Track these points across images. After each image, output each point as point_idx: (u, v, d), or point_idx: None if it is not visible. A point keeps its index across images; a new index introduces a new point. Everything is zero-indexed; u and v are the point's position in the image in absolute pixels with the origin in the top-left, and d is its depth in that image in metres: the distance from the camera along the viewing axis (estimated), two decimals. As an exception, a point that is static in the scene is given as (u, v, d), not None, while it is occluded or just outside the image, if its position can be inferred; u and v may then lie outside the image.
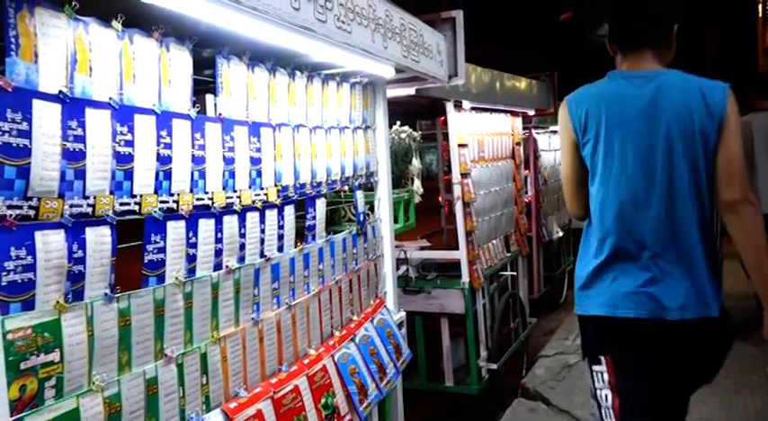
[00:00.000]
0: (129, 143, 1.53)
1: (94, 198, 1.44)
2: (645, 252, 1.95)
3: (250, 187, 1.99)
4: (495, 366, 4.19)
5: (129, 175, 1.54)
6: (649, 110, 1.94)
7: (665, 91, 1.94)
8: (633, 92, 1.97)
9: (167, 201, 1.66)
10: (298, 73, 2.26)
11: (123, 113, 1.51)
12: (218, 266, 1.85)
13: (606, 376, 2.01)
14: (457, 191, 4.04)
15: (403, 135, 4.19)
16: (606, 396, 2.03)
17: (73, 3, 1.36)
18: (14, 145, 1.25)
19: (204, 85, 1.92)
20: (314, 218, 2.42)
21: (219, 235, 1.85)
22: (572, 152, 2.08)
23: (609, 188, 1.98)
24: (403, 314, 3.18)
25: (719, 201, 1.92)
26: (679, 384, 2.04)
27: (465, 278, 4.00)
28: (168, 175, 1.66)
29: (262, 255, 2.06)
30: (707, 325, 1.92)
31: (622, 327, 1.97)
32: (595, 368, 2.05)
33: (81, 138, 1.40)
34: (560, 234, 7.18)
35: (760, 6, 13.19)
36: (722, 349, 2.03)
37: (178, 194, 1.69)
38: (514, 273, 5.02)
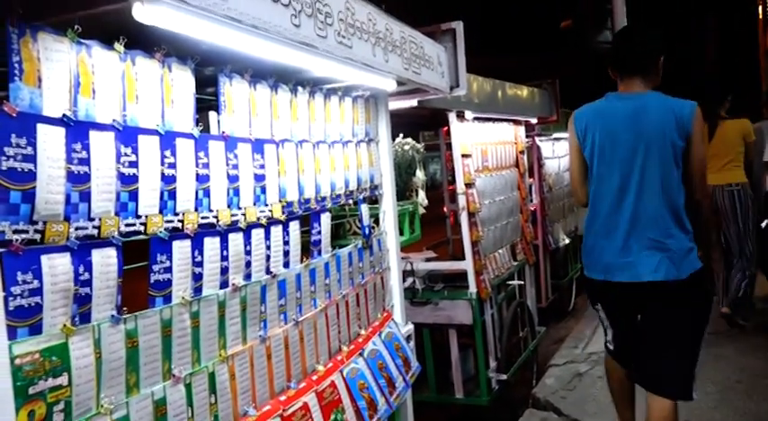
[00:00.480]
0: (134, 164, 1.54)
1: (100, 220, 1.44)
2: (624, 233, 2.59)
3: (255, 204, 1.99)
4: (504, 377, 4.16)
5: (133, 196, 1.54)
6: (632, 124, 2.54)
7: (645, 109, 2.54)
8: (621, 109, 2.58)
9: (172, 221, 1.66)
10: (300, 88, 2.27)
11: (127, 135, 1.52)
12: (224, 284, 1.84)
13: (603, 312, 2.82)
14: (461, 201, 4.03)
15: (406, 147, 4.19)
16: (606, 329, 2.88)
17: (75, 27, 1.37)
18: (19, 169, 1.25)
19: (207, 103, 1.93)
20: (319, 233, 2.42)
21: (225, 253, 1.84)
22: (577, 154, 2.76)
23: (599, 184, 2.66)
24: (411, 327, 3.16)
25: (691, 197, 2.59)
26: (658, 331, 2.61)
27: (472, 288, 3.99)
28: (173, 195, 1.66)
29: (268, 271, 2.06)
30: (677, 284, 2.53)
31: (612, 287, 2.66)
32: (596, 307, 2.86)
33: (85, 161, 1.40)
34: (567, 241, 7.15)
35: (760, 8, 13.20)
36: (696, 301, 2.60)
37: (183, 213, 1.69)
38: (522, 282, 4.99)
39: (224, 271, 1.84)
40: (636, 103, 2.57)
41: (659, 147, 2.51)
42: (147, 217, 1.57)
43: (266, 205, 2.05)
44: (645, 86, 2.62)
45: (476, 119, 4.28)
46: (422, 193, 4.14)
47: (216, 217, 1.81)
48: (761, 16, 13.37)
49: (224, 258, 1.84)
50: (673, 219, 2.54)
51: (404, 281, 3.57)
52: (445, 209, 6.17)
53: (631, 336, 2.75)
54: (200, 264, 1.75)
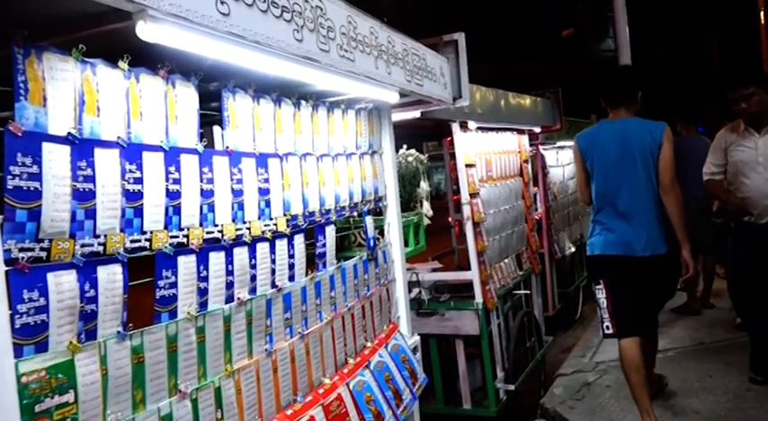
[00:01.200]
0: (139, 180, 1.55)
1: (105, 236, 1.44)
2: (620, 218, 3.46)
3: (259, 218, 2.00)
4: (512, 387, 4.14)
5: (138, 212, 1.55)
6: (619, 142, 3.47)
7: (628, 131, 3.47)
8: (611, 132, 3.54)
9: (177, 236, 1.66)
10: (303, 102, 2.28)
11: (131, 151, 1.53)
12: (229, 299, 1.84)
13: (603, 291, 3.53)
14: (466, 211, 4.03)
15: (410, 158, 4.20)
16: (602, 301, 3.54)
17: (80, 46, 1.38)
18: (25, 188, 1.26)
19: (211, 118, 1.94)
20: (324, 245, 2.42)
21: (230, 267, 1.85)
22: (581, 166, 3.69)
23: (597, 187, 3.57)
24: (417, 338, 3.15)
25: (660, 187, 3.41)
26: (646, 293, 3.49)
27: (478, 298, 3.97)
28: (178, 210, 1.67)
29: (273, 285, 2.06)
30: (660, 257, 3.42)
31: (611, 260, 3.48)
32: (597, 287, 3.57)
33: (90, 178, 1.41)
34: (573, 249, 7.13)
35: (762, 14, 13.20)
36: (672, 272, 3.55)
37: (188, 229, 1.70)
38: (528, 292, 4.97)
39: (229, 285, 1.84)
40: (621, 126, 3.51)
41: (641, 157, 3.41)
42: (152, 233, 1.58)
43: (271, 219, 2.06)
44: (628, 114, 3.55)
45: (479, 128, 4.28)
46: (426, 204, 4.14)
47: (221, 231, 1.82)
48: (762, 21, 13.37)
49: (229, 273, 1.84)
50: (655, 210, 3.43)
51: (410, 292, 3.57)
52: (450, 219, 6.16)
53: (629, 297, 3.51)
54: (206, 279, 1.75)
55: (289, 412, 2.04)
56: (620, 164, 3.44)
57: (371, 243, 2.81)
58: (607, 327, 3.53)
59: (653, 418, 3.35)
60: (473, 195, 4.07)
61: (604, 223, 3.52)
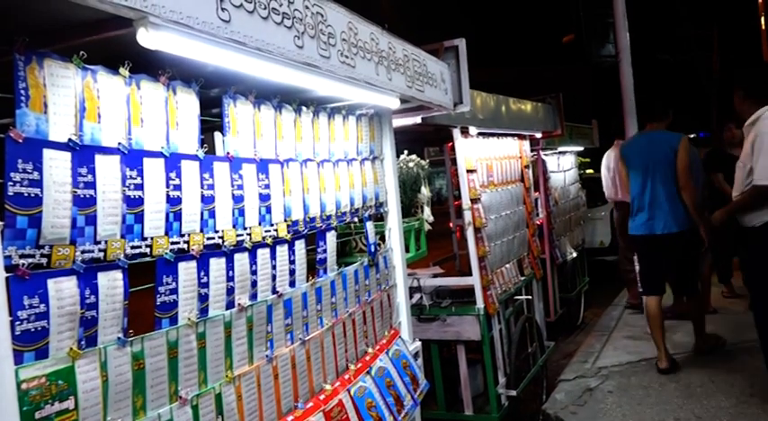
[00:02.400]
0: (139, 186, 1.55)
1: (106, 243, 1.44)
2: (647, 208, 4.60)
3: (260, 224, 2.00)
4: (514, 392, 4.12)
5: (139, 219, 1.55)
6: (646, 150, 4.66)
7: (653, 141, 4.67)
8: (642, 142, 4.76)
9: (178, 242, 1.66)
10: (304, 108, 2.28)
11: (132, 158, 1.53)
12: (230, 305, 1.84)
13: (637, 261, 5.06)
14: (467, 216, 4.02)
15: (411, 164, 4.20)
16: (637, 268, 5.04)
17: (81, 53, 1.38)
18: (26, 194, 1.26)
19: (212, 124, 1.94)
20: (325, 251, 2.42)
21: (231, 273, 1.85)
22: (623, 167, 4.88)
23: (632, 184, 4.72)
24: (418, 344, 3.15)
25: (678, 185, 4.48)
26: (668, 262, 4.67)
27: (480, 304, 3.97)
28: (178, 216, 1.67)
29: (274, 291, 2.06)
30: (679, 234, 4.52)
31: (640, 239, 4.70)
32: (635, 258, 5.18)
33: (91, 185, 1.41)
34: (574, 254, 7.12)
35: (762, 19, 13.22)
36: (692, 247, 4.60)
37: (189, 235, 1.70)
38: (529, 297, 4.97)
39: (230, 291, 1.84)
40: (649, 138, 4.73)
41: (661, 162, 4.54)
42: (152, 239, 1.58)
43: (271, 225, 2.06)
44: (659, 127, 4.73)
45: (480, 134, 4.29)
46: (427, 210, 4.14)
47: (221, 237, 1.82)
48: (763, 26, 13.39)
49: (230, 278, 1.84)
50: (671, 201, 4.51)
51: (411, 297, 3.56)
52: (451, 224, 6.16)
53: (662, 266, 4.71)
54: (206, 285, 1.75)
55: (290, 418, 2.03)
56: (646, 167, 4.59)
57: (372, 248, 2.81)
58: (640, 288, 5.01)
59: (663, 352, 4.63)
60: (474, 201, 4.07)
61: (637, 211, 4.68)
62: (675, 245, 4.53)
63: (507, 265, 4.60)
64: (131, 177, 1.53)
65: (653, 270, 4.71)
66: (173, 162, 1.65)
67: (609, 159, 6.52)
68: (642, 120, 5.05)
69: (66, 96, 1.36)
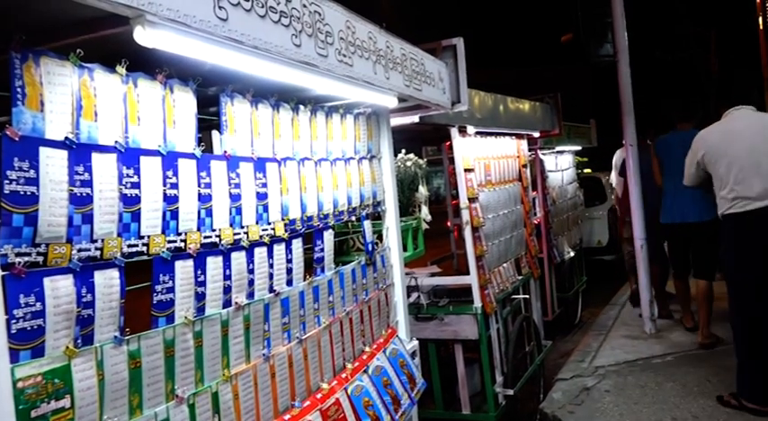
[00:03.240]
0: (136, 185, 1.55)
1: (102, 241, 1.44)
2: (675, 197, 5.26)
3: (257, 222, 2.00)
4: (511, 392, 4.13)
5: (136, 217, 1.54)
6: (674, 147, 5.18)
7: (679, 139, 5.11)
8: (672, 140, 5.39)
9: (175, 241, 1.66)
10: (301, 107, 2.28)
11: (129, 156, 1.53)
12: (227, 303, 1.84)
13: (668, 246, 5.96)
14: (465, 216, 4.02)
15: (409, 163, 4.20)
16: (670, 259, 5.96)
17: (78, 51, 1.38)
18: (22, 192, 1.26)
19: (209, 122, 1.94)
20: (322, 250, 2.42)
21: (228, 272, 1.85)
22: (658, 160, 5.52)
23: (664, 177, 5.44)
24: (416, 343, 3.15)
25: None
26: (693, 247, 5.34)
27: (477, 303, 3.97)
28: (175, 215, 1.67)
29: (271, 289, 2.06)
30: (704, 223, 5.05)
31: (669, 226, 5.42)
32: (664, 247, 6.07)
33: (88, 183, 1.41)
34: (572, 254, 7.13)
35: (760, 19, 13.22)
36: (714, 234, 4.61)
37: (185, 233, 1.70)
38: (527, 296, 4.97)
39: (227, 290, 1.84)
40: (678, 136, 5.28)
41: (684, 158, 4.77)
42: (149, 237, 1.58)
43: (269, 223, 2.06)
44: (688, 126, 5.32)
45: (478, 133, 4.29)
46: (425, 209, 4.14)
47: (218, 236, 1.82)
48: (761, 26, 13.39)
49: (227, 277, 1.84)
50: (695, 192, 4.82)
51: (408, 296, 3.56)
52: (449, 223, 6.16)
53: (679, 250, 5.55)
54: (203, 284, 1.75)
55: (286, 417, 2.03)
56: (674, 162, 5.07)
57: (370, 247, 2.81)
58: (671, 268, 5.99)
59: (689, 316, 5.64)
60: (472, 200, 4.07)
61: (667, 200, 5.39)
62: (705, 232, 5.09)
63: (505, 265, 4.60)
64: (128, 176, 1.52)
65: (679, 254, 5.55)
66: (170, 160, 1.65)
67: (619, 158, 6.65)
68: (673, 120, 5.56)
69: (62, 94, 1.36)
